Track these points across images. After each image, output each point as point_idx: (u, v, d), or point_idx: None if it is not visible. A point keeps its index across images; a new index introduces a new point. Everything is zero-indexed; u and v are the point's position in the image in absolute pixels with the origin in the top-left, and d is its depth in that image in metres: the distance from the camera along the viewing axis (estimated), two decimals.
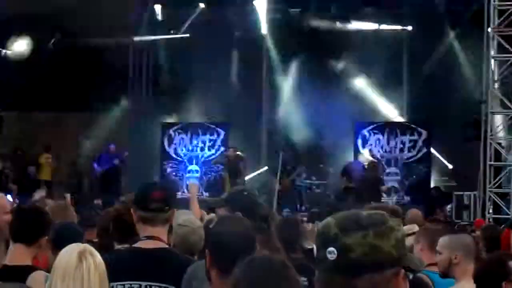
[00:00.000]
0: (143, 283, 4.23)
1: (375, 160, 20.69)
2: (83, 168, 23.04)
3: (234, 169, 20.33)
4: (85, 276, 3.58)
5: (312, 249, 6.17)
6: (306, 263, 5.42)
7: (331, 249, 2.15)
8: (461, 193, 18.17)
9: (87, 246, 3.79)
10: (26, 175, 22.69)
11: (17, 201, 16.54)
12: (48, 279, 3.74)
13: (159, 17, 24.22)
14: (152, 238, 4.32)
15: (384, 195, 19.05)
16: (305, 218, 10.97)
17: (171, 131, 23.03)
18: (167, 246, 4.44)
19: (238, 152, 20.56)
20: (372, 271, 2.16)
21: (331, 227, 2.19)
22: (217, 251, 3.61)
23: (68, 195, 11.70)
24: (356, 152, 21.61)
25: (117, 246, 5.07)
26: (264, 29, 23.68)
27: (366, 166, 19.80)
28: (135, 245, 4.42)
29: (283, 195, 20.36)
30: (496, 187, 16.99)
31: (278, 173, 20.48)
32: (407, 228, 6.10)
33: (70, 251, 3.67)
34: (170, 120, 23.66)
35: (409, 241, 5.32)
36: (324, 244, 2.18)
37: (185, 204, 8.08)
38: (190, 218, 5.97)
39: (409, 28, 22.99)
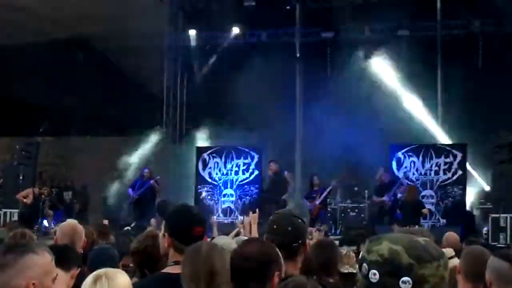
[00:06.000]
0: None
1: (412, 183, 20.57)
2: (121, 193, 23.14)
3: (279, 180, 20.39)
4: None
5: (348, 274, 6.13)
6: None
7: (406, 279, 2.15)
8: (497, 215, 17.99)
9: (110, 270, 3.88)
10: (63, 200, 22.87)
11: (52, 226, 16.69)
12: None
13: (193, 42, 24.41)
14: (180, 263, 4.33)
15: (421, 218, 18.85)
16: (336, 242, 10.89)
17: (205, 155, 23.08)
18: None
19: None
20: None
21: (401, 256, 2.17)
22: (231, 273, 3.68)
23: (106, 221, 11.78)
24: (391, 175, 21.49)
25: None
26: (297, 52, 23.80)
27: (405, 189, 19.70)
28: (164, 270, 4.40)
29: (317, 217, 20.32)
30: None
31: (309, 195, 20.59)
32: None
33: (89, 276, 3.80)
34: (204, 144, 23.73)
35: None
36: (394, 273, 2.16)
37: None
38: (226, 242, 6.01)
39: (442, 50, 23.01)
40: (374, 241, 2.25)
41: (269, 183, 20.93)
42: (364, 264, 2.22)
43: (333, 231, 20.46)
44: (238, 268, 3.67)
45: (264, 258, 3.77)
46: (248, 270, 3.64)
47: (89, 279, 3.78)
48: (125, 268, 6.03)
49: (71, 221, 6.71)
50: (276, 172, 20.51)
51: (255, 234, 7.91)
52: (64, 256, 5.06)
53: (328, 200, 21.12)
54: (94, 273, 3.83)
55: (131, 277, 4.08)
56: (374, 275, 2.18)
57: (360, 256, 2.29)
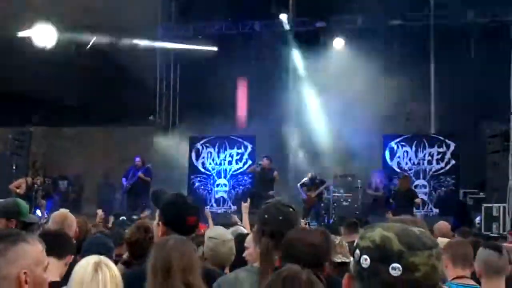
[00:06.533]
0: None
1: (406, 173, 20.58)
2: (114, 183, 23.10)
3: (267, 178, 20.26)
4: (100, 287, 3.65)
5: (341, 263, 6.13)
6: (337, 277, 5.38)
7: (396, 265, 2.16)
8: (490, 205, 18.02)
9: (103, 258, 3.87)
10: (57, 189, 22.84)
11: (45, 216, 16.67)
12: None
13: (187, 32, 24.37)
14: None
15: (414, 208, 18.85)
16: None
17: (198, 145, 23.08)
18: None
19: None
20: None
21: (393, 242, 2.18)
22: (287, 258, 3.66)
23: (100, 211, 11.75)
24: (385, 165, 21.55)
25: None
26: (290, 42, 23.76)
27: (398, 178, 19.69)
28: None
29: (310, 208, 20.33)
30: None
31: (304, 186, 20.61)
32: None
33: (86, 263, 3.76)
34: (197, 134, 23.67)
35: None
36: (384, 259, 2.18)
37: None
38: (221, 232, 6.01)
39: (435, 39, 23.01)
40: (368, 228, 2.28)
41: (257, 177, 20.86)
42: (357, 250, 2.25)
43: (326, 221, 20.47)
44: (304, 257, 3.65)
45: (325, 245, 3.82)
46: (313, 258, 3.64)
47: (88, 267, 3.74)
48: (119, 258, 6.04)
49: (63, 211, 6.72)
50: (267, 169, 20.38)
51: (246, 223, 7.92)
52: (58, 242, 5.03)
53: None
54: (90, 261, 3.79)
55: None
56: (365, 261, 2.20)
57: (354, 243, 2.31)
